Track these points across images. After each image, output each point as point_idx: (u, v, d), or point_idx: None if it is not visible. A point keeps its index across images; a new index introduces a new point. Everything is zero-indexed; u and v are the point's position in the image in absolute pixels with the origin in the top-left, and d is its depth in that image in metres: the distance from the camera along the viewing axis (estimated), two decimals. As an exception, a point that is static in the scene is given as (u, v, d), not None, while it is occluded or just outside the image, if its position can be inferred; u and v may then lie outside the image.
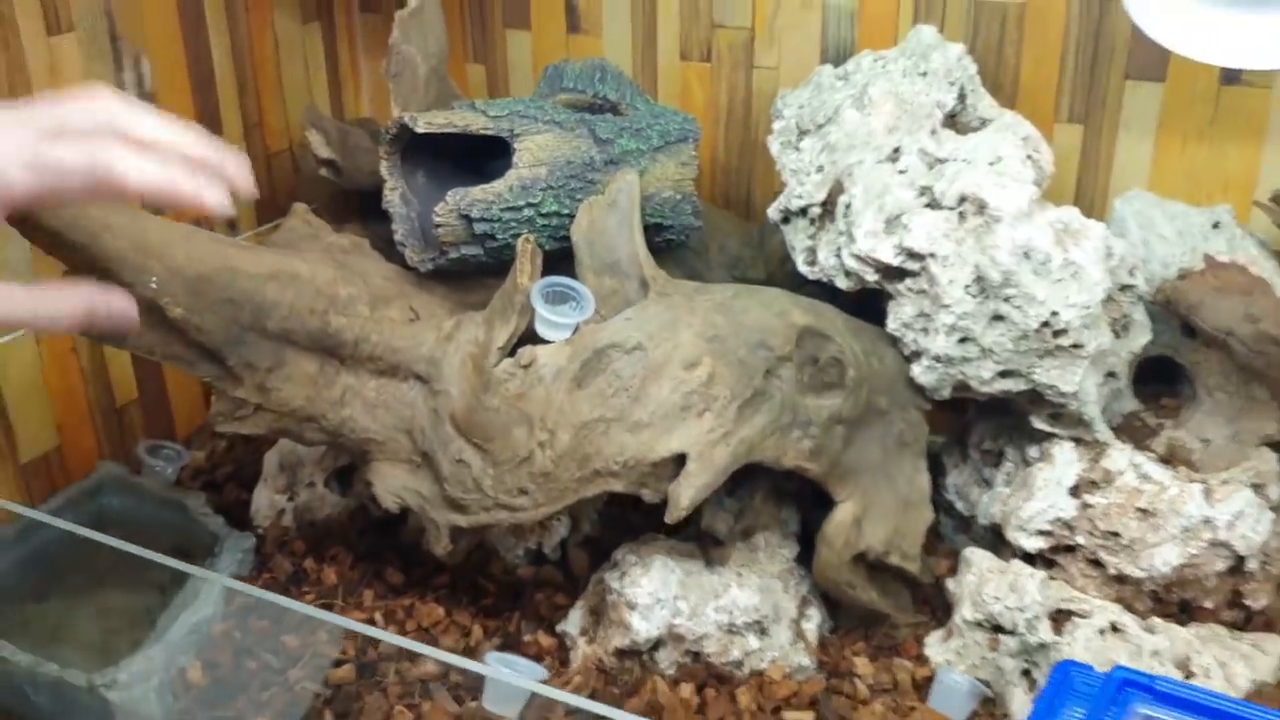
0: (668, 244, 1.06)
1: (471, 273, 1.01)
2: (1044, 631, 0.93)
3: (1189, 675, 0.91)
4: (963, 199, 0.93)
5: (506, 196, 0.95)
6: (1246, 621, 1.01)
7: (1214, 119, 1.09)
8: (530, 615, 1.05)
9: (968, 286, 0.93)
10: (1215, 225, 1.01)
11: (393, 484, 0.99)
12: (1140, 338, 0.99)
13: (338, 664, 0.98)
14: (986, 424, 1.08)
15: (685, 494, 0.88)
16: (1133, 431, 1.04)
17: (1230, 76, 1.07)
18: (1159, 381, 1.06)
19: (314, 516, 1.15)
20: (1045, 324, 0.92)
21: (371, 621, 1.03)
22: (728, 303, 0.94)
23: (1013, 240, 0.91)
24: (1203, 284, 0.94)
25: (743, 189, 1.27)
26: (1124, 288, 0.97)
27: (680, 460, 0.89)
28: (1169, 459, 1.01)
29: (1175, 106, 1.09)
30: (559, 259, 0.98)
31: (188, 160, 0.64)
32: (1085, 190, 1.14)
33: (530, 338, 0.95)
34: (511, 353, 0.93)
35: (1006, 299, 0.92)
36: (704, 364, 0.90)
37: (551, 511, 0.92)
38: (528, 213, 0.96)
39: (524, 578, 1.09)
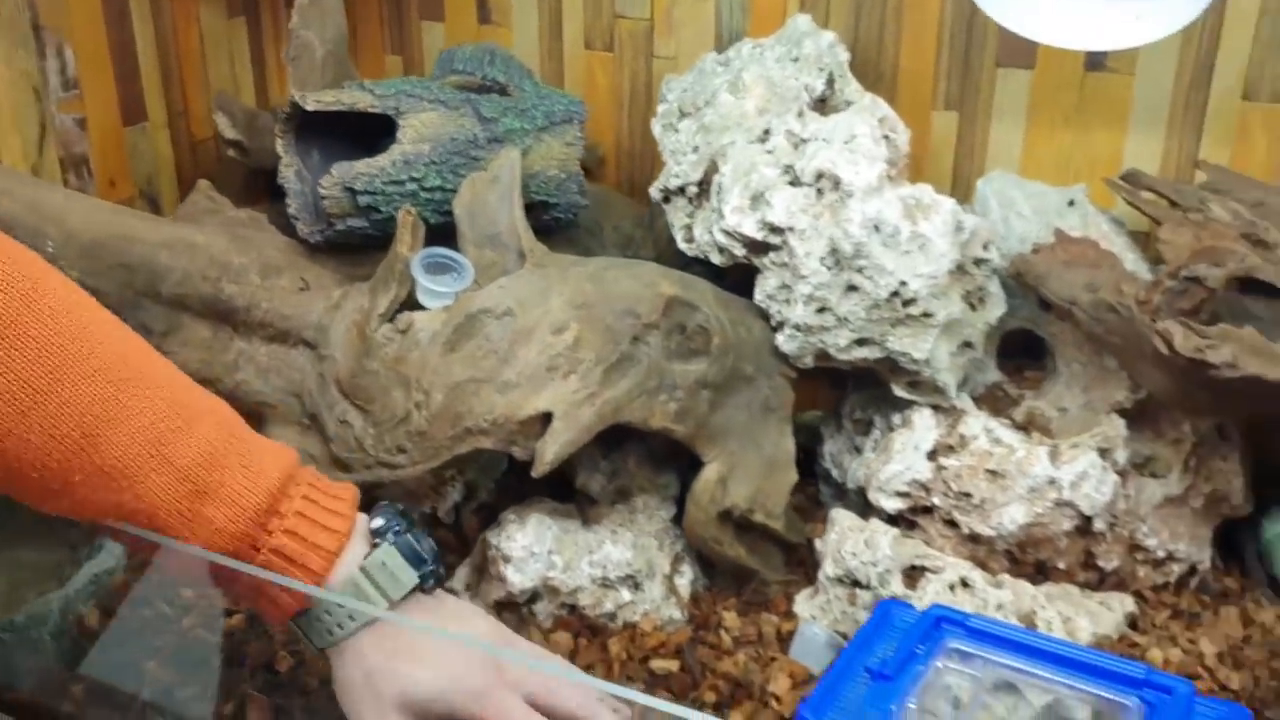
0: (556, 222, 1.11)
1: (361, 246, 1.06)
2: (896, 585, 0.98)
3: (1032, 628, 0.96)
4: (820, 175, 0.98)
5: (390, 170, 1.00)
6: (1100, 583, 1.06)
7: (1080, 105, 1.14)
8: (420, 573, 1.10)
9: (823, 259, 0.98)
10: (1070, 204, 1.07)
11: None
12: (995, 309, 1.04)
13: (229, 614, 1.03)
14: (859, 395, 1.13)
15: (550, 449, 0.93)
16: (994, 401, 1.09)
17: (1094, 63, 1.13)
18: (1026, 355, 1.12)
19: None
20: (895, 293, 0.97)
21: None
22: (599, 273, 0.99)
23: (863, 214, 0.96)
24: (1052, 257, 1.00)
25: (645, 173, 1.33)
26: (978, 261, 1.02)
27: (547, 419, 0.94)
28: (1026, 426, 1.07)
29: (1043, 93, 1.15)
30: (442, 232, 1.03)
31: None
32: (961, 174, 1.20)
33: (413, 306, 1.00)
34: (392, 320, 0.98)
35: (859, 270, 0.97)
36: (571, 329, 0.95)
37: (428, 468, 0.97)
38: (411, 187, 1.01)
39: (419, 540, 1.14)
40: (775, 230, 0.99)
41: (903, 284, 0.97)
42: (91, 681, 0.94)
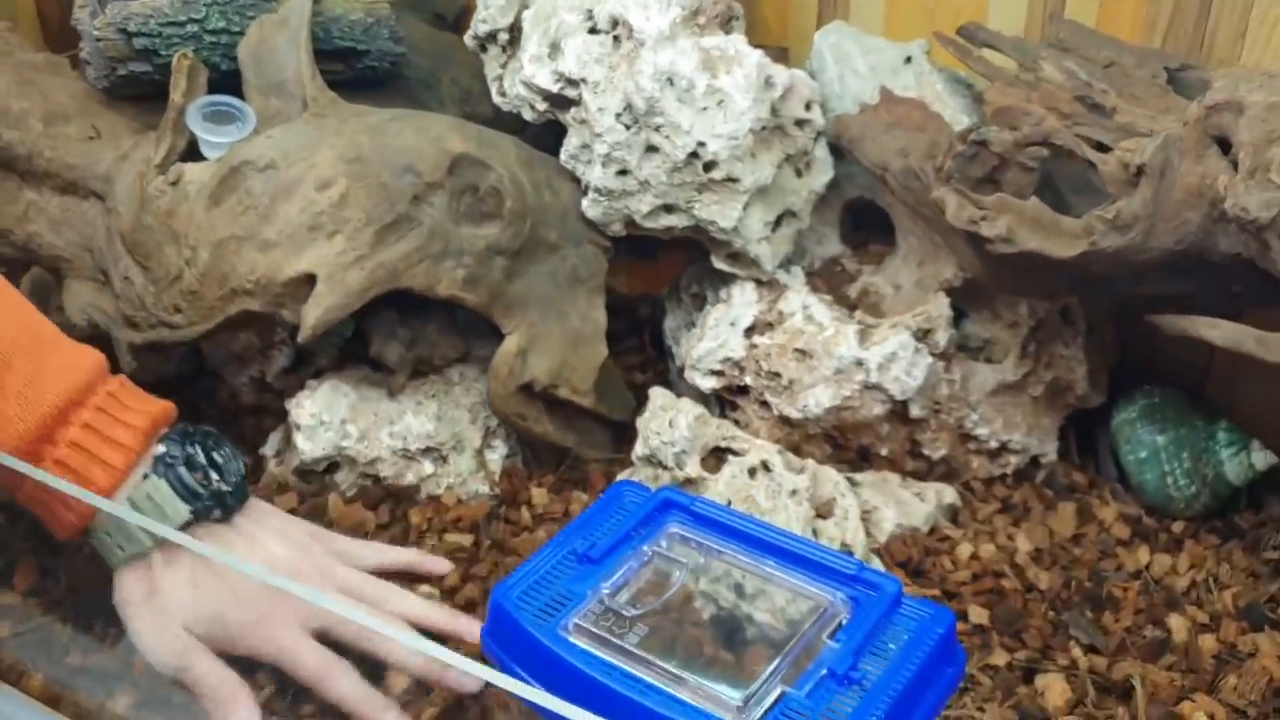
0: (372, 71, 1.05)
1: (158, 94, 1.00)
2: (691, 467, 0.92)
3: (826, 515, 0.90)
4: (615, 22, 0.91)
5: (167, 11, 0.94)
6: (929, 472, 1.00)
7: (948, -47, 1.04)
8: (236, 438, 1.06)
9: (619, 115, 0.91)
10: (907, 60, 0.97)
11: (81, 301, 1.01)
12: (821, 176, 0.96)
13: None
14: (695, 269, 1.06)
15: (312, 313, 0.89)
16: (830, 276, 1.02)
17: (965, -93, 1.02)
18: (877, 228, 1.04)
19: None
20: (694, 155, 0.90)
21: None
22: (381, 125, 0.93)
23: (655, 65, 0.88)
24: (873, 119, 0.91)
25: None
26: (800, 122, 0.94)
27: (313, 281, 0.90)
28: (857, 304, 0.99)
29: (912, -62, 1.05)
30: (234, 79, 0.97)
31: None
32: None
33: (198, 158, 0.95)
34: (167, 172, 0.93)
35: (656, 128, 0.90)
36: (337, 184, 0.89)
37: (204, 330, 0.93)
38: (192, 29, 0.95)
39: (244, 404, 1.11)
40: (570, 83, 0.92)
41: (700, 144, 0.89)
42: None
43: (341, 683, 0.74)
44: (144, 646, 0.77)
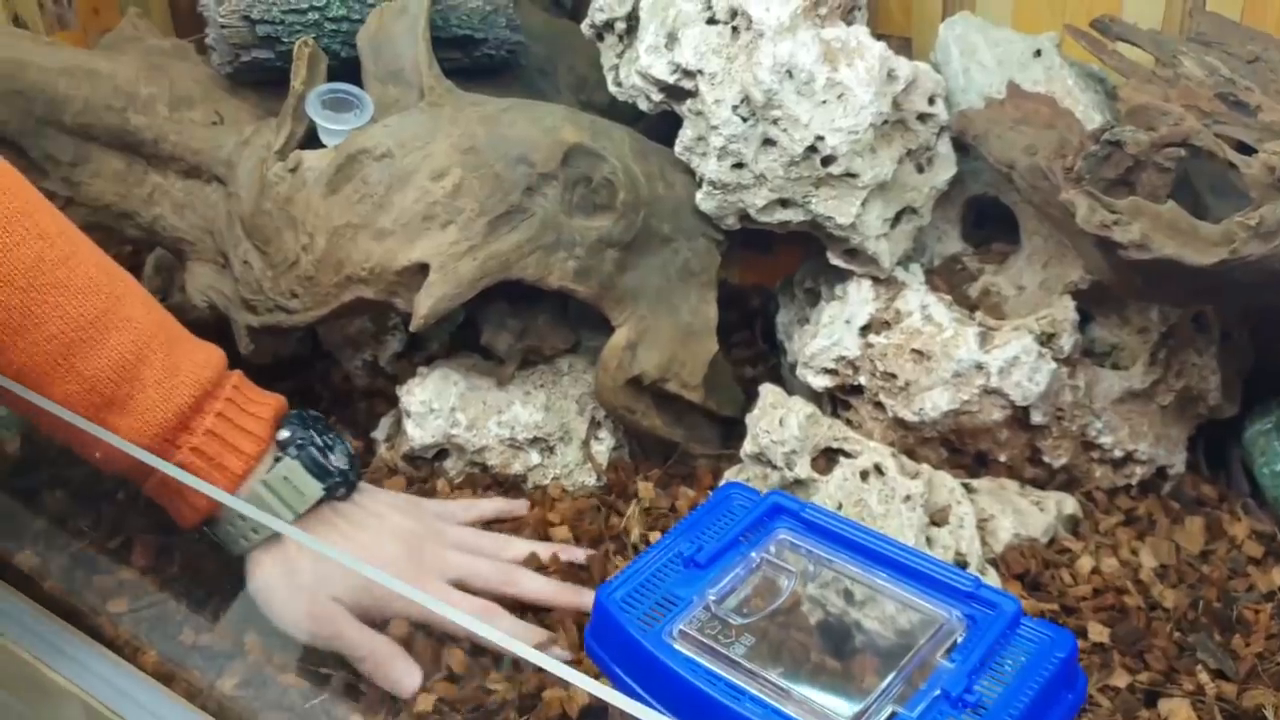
0: (489, 59, 1.04)
1: (282, 80, 1.01)
2: (802, 468, 0.90)
3: (940, 523, 0.88)
4: (734, 13, 0.89)
5: (289, -1, 0.95)
6: (1049, 480, 0.96)
7: (1084, -58, 0.99)
8: (349, 421, 1.08)
9: (736, 107, 0.89)
10: (1036, 54, 0.93)
11: (202, 283, 1.02)
12: (944, 172, 0.93)
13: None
14: (811, 263, 1.04)
15: (425, 303, 0.89)
16: (951, 275, 0.99)
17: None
18: (1000, 224, 1.01)
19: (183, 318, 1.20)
20: (811, 149, 0.88)
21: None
22: (496, 115, 0.92)
23: (774, 57, 0.86)
24: (999, 114, 0.88)
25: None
26: (922, 116, 0.91)
27: (426, 270, 0.90)
28: (979, 305, 0.96)
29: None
30: (354, 67, 0.98)
31: None
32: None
33: (316, 145, 0.96)
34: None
35: (774, 121, 0.88)
36: (452, 174, 0.89)
37: (319, 315, 0.94)
38: (313, 16, 0.96)
39: (357, 387, 1.12)
40: (687, 74, 0.90)
41: (819, 138, 0.87)
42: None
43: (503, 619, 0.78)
44: (292, 622, 0.79)
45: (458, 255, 0.89)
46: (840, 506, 0.88)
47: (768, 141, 0.89)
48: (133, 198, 1.01)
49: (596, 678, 0.65)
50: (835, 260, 0.95)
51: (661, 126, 0.99)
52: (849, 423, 0.97)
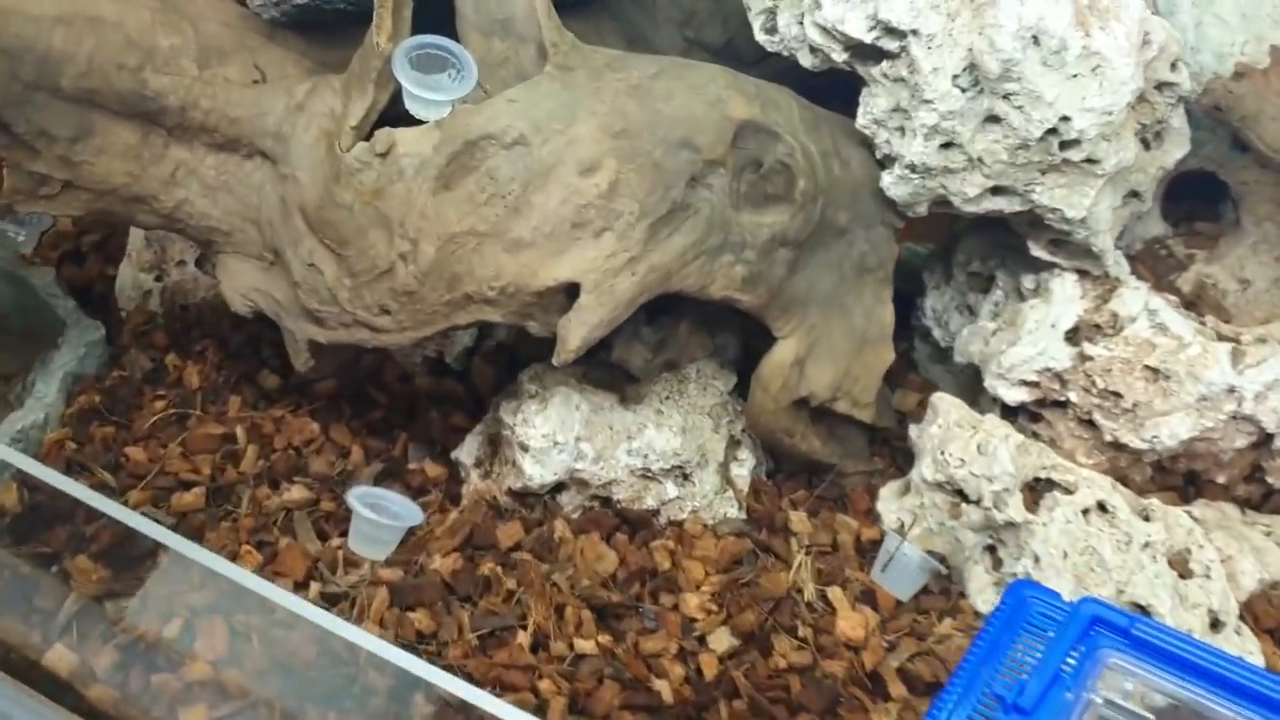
0: (593, -5, 0.84)
1: (334, 22, 0.80)
2: (1014, 509, 0.76)
3: (1185, 575, 0.75)
4: (962, -41, 0.70)
5: (367, -75, 0.73)
6: (1264, 499, 0.84)
7: None
8: (420, 437, 0.90)
9: (956, 77, 0.72)
10: (1295, 5, 0.78)
11: (242, 284, 0.82)
12: (1176, 150, 0.78)
13: (186, 486, 0.84)
14: (978, 240, 0.88)
15: (576, 333, 0.70)
16: (1154, 261, 0.85)
17: None
18: (1196, 199, 0.86)
19: (185, 300, 0.99)
20: (1052, 131, 0.71)
21: (231, 437, 0.88)
22: (646, 84, 0.73)
23: (1019, 19, 0.69)
24: (1265, 87, 0.72)
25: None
26: (1161, 86, 0.75)
27: (573, 290, 0.71)
28: (1195, 301, 0.82)
29: None
30: (440, 11, 0.77)
31: None
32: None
33: (399, 116, 0.75)
34: (369, 136, 0.74)
35: (1005, 96, 0.71)
36: (606, 168, 0.70)
37: (420, 336, 0.75)
38: (394, -49, 0.74)
39: (421, 389, 0.93)
40: (892, 32, 0.73)
41: (1064, 119, 0.71)
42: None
43: None
44: None
45: (615, 270, 0.70)
46: (1065, 555, 0.74)
47: (992, 119, 0.72)
48: (149, 178, 0.79)
49: None
50: (1038, 252, 0.80)
51: (821, 87, 0.81)
52: (1036, 435, 0.83)
